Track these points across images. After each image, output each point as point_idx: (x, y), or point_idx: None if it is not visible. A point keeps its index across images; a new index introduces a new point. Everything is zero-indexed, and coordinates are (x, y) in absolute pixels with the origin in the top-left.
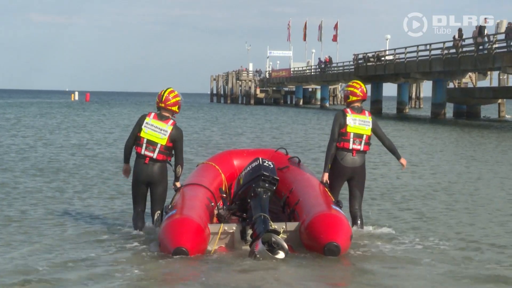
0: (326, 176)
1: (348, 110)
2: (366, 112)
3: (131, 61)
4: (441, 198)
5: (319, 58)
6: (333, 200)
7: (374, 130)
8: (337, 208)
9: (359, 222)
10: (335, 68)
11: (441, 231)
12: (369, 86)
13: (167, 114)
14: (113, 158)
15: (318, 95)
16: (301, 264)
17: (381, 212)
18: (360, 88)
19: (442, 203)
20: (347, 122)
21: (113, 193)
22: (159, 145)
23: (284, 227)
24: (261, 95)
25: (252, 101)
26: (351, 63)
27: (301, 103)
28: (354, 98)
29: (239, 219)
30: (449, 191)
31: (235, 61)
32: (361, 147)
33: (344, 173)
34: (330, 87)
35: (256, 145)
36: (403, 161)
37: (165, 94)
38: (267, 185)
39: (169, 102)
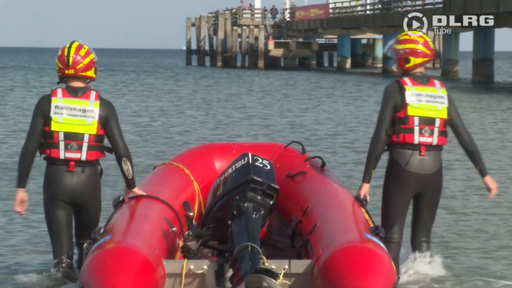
0: (365, 189)
1: (407, 80)
2: (436, 82)
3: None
4: None
5: None
6: (371, 225)
7: (450, 112)
8: (373, 239)
9: (425, 256)
10: (409, 2)
11: None
12: (469, 34)
13: (81, 84)
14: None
15: (379, 52)
16: None
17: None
18: (424, 41)
19: None
20: (408, 100)
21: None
22: (86, 137)
23: (286, 266)
24: (276, 52)
25: (261, 63)
26: None
27: (348, 65)
28: (418, 61)
29: (213, 252)
30: None
31: None
32: (434, 140)
33: (409, 184)
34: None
35: (261, 137)
36: (490, 182)
37: (72, 55)
38: (259, 197)
39: (80, 66)
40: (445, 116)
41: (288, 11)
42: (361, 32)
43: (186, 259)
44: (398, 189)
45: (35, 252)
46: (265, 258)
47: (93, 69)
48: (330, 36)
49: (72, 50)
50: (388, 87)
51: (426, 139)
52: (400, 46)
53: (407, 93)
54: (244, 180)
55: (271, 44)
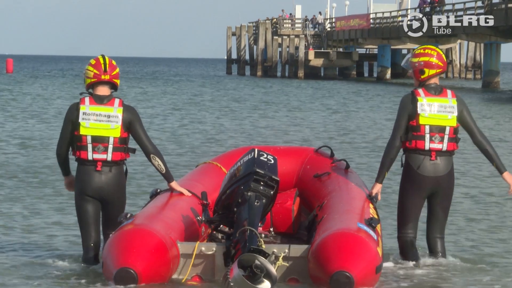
0: (377, 188)
1: (420, 91)
2: (449, 92)
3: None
4: None
5: None
6: (371, 217)
7: (461, 118)
8: (364, 227)
9: (440, 255)
10: (450, 14)
11: None
12: (510, 45)
13: (106, 92)
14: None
15: None
16: None
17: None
18: (437, 54)
19: None
20: (419, 110)
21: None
22: (111, 140)
23: (286, 250)
24: (317, 62)
25: (301, 73)
26: (480, 3)
27: (388, 75)
28: (432, 72)
29: (223, 236)
30: None
31: (271, 3)
32: (444, 146)
33: (423, 187)
34: (441, 47)
35: (297, 142)
36: (509, 178)
37: (107, 62)
38: (261, 187)
39: (114, 72)
40: (454, 124)
41: (329, 20)
42: (401, 43)
43: (198, 242)
44: (412, 191)
45: (67, 241)
46: (262, 241)
47: (119, 79)
48: (370, 46)
49: (107, 59)
50: (404, 97)
51: (436, 146)
52: (415, 59)
53: (419, 104)
54: (249, 172)
55: (311, 54)
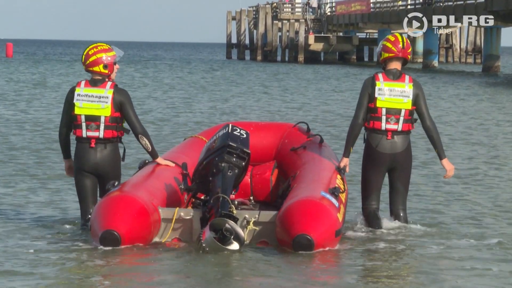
0: (345, 161)
1: (380, 76)
2: (407, 78)
3: None
4: None
5: None
6: (335, 186)
7: (416, 102)
8: (326, 195)
9: (402, 221)
10: (450, 15)
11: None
12: (509, 31)
13: (99, 77)
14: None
15: (420, 47)
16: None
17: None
18: (396, 41)
19: None
20: (377, 95)
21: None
22: (103, 118)
23: (257, 216)
24: (317, 47)
25: (301, 58)
26: None
27: None
28: (386, 55)
29: (200, 203)
30: None
31: None
32: (399, 126)
33: (381, 163)
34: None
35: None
36: (446, 164)
37: (84, 53)
38: (234, 159)
39: (88, 61)
40: (409, 107)
41: (329, 4)
42: (401, 27)
43: (177, 208)
44: (371, 166)
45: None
46: (234, 207)
47: (100, 65)
48: (370, 31)
49: (86, 50)
50: (366, 80)
51: (392, 126)
52: (381, 43)
53: (376, 88)
54: (223, 145)
55: (311, 39)
